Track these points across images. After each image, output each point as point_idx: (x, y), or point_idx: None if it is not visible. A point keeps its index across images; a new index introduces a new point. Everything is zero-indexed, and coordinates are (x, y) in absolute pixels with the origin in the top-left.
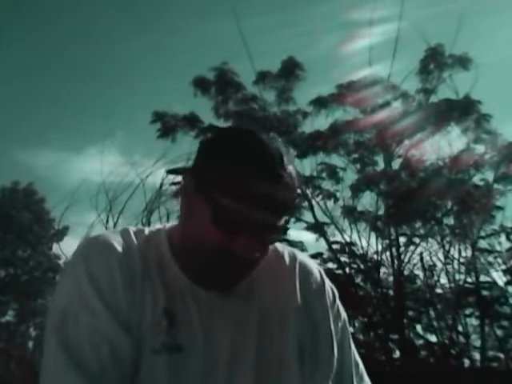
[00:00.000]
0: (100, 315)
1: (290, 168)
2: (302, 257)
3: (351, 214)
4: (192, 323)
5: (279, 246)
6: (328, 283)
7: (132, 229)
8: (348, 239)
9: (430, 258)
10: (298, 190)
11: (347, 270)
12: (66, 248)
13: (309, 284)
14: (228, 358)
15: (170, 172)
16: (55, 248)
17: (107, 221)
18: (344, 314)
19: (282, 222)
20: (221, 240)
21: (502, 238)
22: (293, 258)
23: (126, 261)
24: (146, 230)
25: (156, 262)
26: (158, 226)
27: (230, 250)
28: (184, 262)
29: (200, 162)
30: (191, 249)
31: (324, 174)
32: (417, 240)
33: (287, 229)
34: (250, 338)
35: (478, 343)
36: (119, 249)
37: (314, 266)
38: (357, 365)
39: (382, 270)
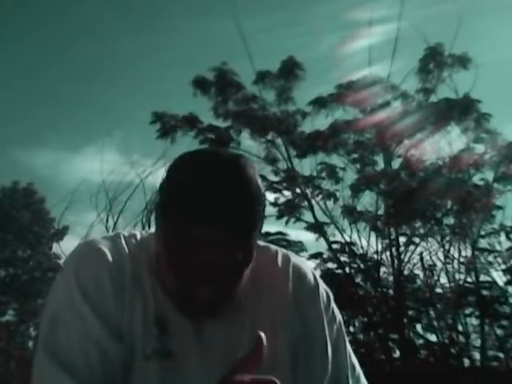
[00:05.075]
0: (89, 321)
1: (235, 207)
2: (296, 259)
3: (351, 213)
4: (184, 329)
5: (273, 247)
6: (322, 286)
7: (124, 234)
8: (348, 239)
9: (430, 257)
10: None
11: (347, 269)
12: (66, 248)
13: (302, 287)
14: (221, 363)
15: None
16: (55, 248)
17: (107, 220)
18: (339, 317)
19: (235, 254)
20: (178, 285)
21: (502, 237)
22: (286, 260)
23: (115, 267)
24: (139, 235)
25: (147, 267)
26: (152, 229)
27: (189, 294)
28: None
29: (161, 191)
30: (160, 269)
31: (324, 174)
32: (417, 240)
33: (248, 259)
34: (242, 342)
35: (477, 343)
36: (109, 255)
37: (308, 269)
38: (353, 367)
39: (382, 269)
